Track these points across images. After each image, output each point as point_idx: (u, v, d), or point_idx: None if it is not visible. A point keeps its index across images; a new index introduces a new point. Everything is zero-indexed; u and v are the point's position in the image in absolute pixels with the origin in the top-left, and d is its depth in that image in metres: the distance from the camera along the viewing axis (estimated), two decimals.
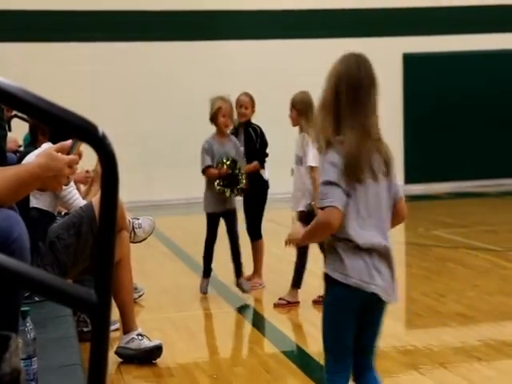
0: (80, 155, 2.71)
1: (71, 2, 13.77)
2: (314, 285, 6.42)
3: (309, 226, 3.01)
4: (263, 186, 6.99)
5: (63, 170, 2.64)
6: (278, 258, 7.70)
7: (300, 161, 6.10)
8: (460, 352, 4.88)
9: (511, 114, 15.55)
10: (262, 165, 6.95)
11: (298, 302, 6.17)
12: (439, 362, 4.68)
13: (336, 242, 2.92)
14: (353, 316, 2.99)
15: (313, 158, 5.88)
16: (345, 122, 2.96)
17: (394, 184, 3.02)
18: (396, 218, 3.10)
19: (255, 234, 6.94)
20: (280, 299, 6.18)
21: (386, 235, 3.00)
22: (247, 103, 6.90)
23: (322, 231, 2.95)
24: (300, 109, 6.10)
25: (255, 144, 6.86)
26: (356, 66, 2.99)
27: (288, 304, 6.13)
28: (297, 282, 6.21)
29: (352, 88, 2.95)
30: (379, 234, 2.95)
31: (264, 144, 6.97)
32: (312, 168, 5.92)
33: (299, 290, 6.22)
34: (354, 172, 2.87)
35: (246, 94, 6.96)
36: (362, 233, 2.90)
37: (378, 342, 3.18)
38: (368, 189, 2.90)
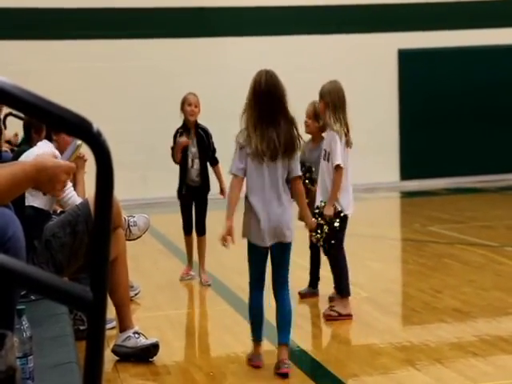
0: (84, 159, 2.70)
1: None
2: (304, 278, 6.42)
3: None
4: (209, 183, 7.20)
5: (59, 176, 2.62)
6: None
7: (326, 156, 5.67)
8: (456, 348, 4.89)
9: (507, 109, 15.57)
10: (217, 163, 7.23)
11: (350, 315, 5.65)
12: (435, 357, 4.69)
13: None
14: None
15: (340, 156, 5.56)
16: None
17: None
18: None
19: (203, 229, 7.19)
20: (331, 309, 5.70)
21: None
22: (196, 102, 7.13)
23: None
24: (327, 101, 5.62)
25: (207, 145, 7.10)
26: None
27: (340, 316, 5.62)
28: (344, 290, 5.72)
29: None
30: None
31: (213, 146, 7.19)
32: (337, 167, 5.55)
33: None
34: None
35: (194, 94, 7.22)
36: None
37: None
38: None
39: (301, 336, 5.25)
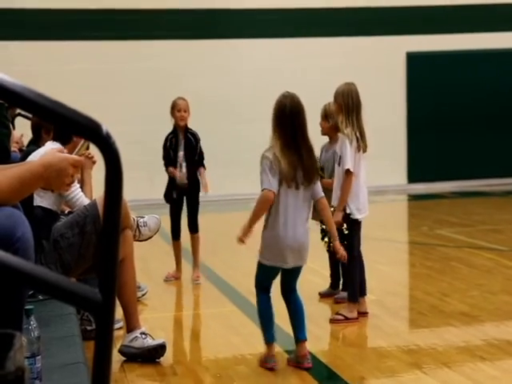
0: (92, 160, 2.70)
1: (72, 1, 13.78)
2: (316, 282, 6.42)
3: None
4: (198, 184, 7.31)
5: (67, 170, 2.62)
6: None
7: (338, 160, 5.62)
8: (464, 351, 4.88)
9: None
10: (204, 168, 7.37)
11: (357, 319, 5.64)
12: (443, 361, 4.67)
13: None
14: None
15: (350, 160, 5.49)
16: None
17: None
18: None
19: (196, 227, 7.29)
20: (337, 314, 5.68)
21: None
22: (185, 107, 7.23)
23: None
24: (340, 103, 5.52)
25: (195, 149, 7.21)
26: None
27: (345, 320, 5.61)
28: (351, 295, 5.72)
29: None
30: None
31: (201, 150, 7.31)
32: (347, 172, 5.50)
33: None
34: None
35: (183, 98, 7.31)
36: None
37: None
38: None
39: (308, 338, 5.23)
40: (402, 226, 11.21)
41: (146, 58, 14.11)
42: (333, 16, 14.79)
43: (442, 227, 10.15)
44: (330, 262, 6.34)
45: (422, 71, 15.17)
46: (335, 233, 4.84)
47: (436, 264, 7.72)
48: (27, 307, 2.72)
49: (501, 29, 15.35)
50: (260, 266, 4.69)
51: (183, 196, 7.25)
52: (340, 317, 5.62)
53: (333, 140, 6.09)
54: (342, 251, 4.91)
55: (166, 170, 7.29)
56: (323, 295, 6.36)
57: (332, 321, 5.66)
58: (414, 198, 14.40)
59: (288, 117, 4.51)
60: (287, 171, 4.44)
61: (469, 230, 9.96)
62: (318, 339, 5.26)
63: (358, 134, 5.51)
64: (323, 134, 6.17)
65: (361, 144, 5.54)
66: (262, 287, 4.74)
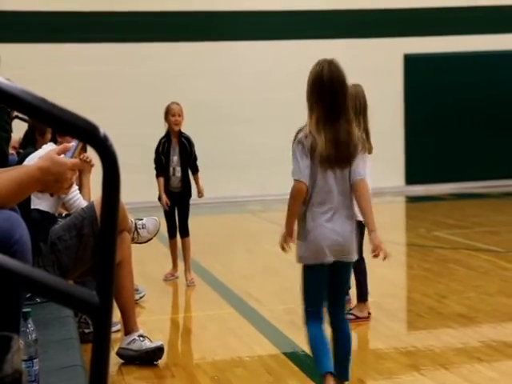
0: (91, 164, 2.70)
1: (71, 3, 13.78)
2: None
3: None
4: (191, 189, 7.40)
5: (65, 175, 2.62)
6: (278, 258, 7.70)
7: None
8: (461, 353, 4.88)
9: None
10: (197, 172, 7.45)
11: (368, 317, 5.74)
12: (440, 363, 4.68)
13: None
14: None
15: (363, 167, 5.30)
16: None
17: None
18: None
19: (186, 231, 7.33)
20: (348, 313, 5.58)
21: None
22: (180, 111, 7.29)
23: None
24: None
25: (189, 154, 7.28)
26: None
27: (356, 319, 5.65)
28: (363, 295, 5.78)
29: None
30: None
31: (195, 155, 7.37)
32: (363, 181, 5.25)
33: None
34: None
35: (177, 103, 7.37)
36: None
37: None
38: None
39: (305, 340, 5.23)
40: (399, 227, 11.22)
41: (145, 60, 14.12)
42: (331, 18, 14.80)
43: (439, 229, 10.15)
44: None
45: (419, 73, 15.18)
46: (374, 223, 3.96)
47: (433, 266, 7.72)
48: (25, 310, 2.72)
49: (499, 31, 15.37)
50: (304, 271, 3.96)
51: (175, 199, 7.31)
52: (351, 316, 5.65)
53: None
54: (382, 245, 3.92)
55: (157, 177, 7.32)
56: None
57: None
58: (411, 199, 14.41)
59: (327, 86, 3.86)
60: (323, 150, 3.78)
61: (466, 231, 9.96)
62: None
63: (364, 136, 5.51)
64: None
65: (366, 145, 5.54)
66: (313, 306, 3.97)
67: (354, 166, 3.89)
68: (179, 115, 7.26)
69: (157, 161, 7.33)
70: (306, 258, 3.89)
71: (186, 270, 7.21)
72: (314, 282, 3.92)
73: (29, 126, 6.06)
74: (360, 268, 5.71)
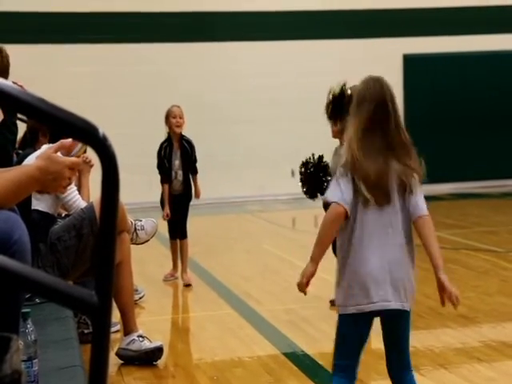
0: (89, 164, 2.70)
1: (71, 4, 13.78)
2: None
3: None
4: (191, 192, 7.41)
5: (63, 173, 2.62)
6: (279, 258, 7.71)
7: None
8: (461, 353, 4.88)
9: None
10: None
11: None
12: (440, 363, 4.68)
13: None
14: None
15: None
16: None
17: None
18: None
19: (185, 233, 7.36)
20: None
21: None
22: (181, 113, 7.25)
23: None
24: None
25: (190, 157, 7.28)
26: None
27: None
28: None
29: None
30: None
31: (196, 158, 7.37)
32: None
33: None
34: None
35: (178, 106, 7.35)
36: None
37: None
38: None
39: (305, 340, 5.24)
40: None
41: (144, 60, 14.11)
42: (330, 18, 14.80)
43: (438, 229, 10.08)
44: None
45: (418, 73, 15.18)
46: (440, 264, 3.41)
47: None
48: (24, 310, 2.72)
49: (498, 31, 15.37)
50: (340, 323, 3.30)
51: (176, 201, 7.30)
52: None
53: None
54: (454, 291, 3.33)
55: (162, 183, 7.34)
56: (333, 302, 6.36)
57: None
58: None
59: (378, 105, 3.25)
60: (371, 180, 3.14)
61: (465, 231, 9.96)
62: (316, 341, 5.27)
63: None
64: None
65: None
66: (344, 359, 3.37)
67: (416, 201, 3.36)
68: (180, 117, 7.25)
69: (160, 166, 7.34)
70: (348, 307, 3.26)
71: (183, 270, 7.23)
72: (351, 333, 3.32)
73: (27, 127, 6.05)
74: None
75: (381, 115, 3.20)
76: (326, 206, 3.34)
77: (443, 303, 3.29)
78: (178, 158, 7.26)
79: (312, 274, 3.16)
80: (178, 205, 7.32)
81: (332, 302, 6.14)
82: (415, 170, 3.26)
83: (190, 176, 7.34)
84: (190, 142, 7.30)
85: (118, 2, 14.04)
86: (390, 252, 3.25)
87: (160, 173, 7.35)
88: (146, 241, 5.40)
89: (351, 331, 3.26)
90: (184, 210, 7.35)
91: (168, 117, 7.28)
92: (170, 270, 7.44)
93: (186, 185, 7.31)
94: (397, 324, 3.34)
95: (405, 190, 3.22)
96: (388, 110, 3.23)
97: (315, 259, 3.18)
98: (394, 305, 3.24)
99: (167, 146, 7.30)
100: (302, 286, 3.19)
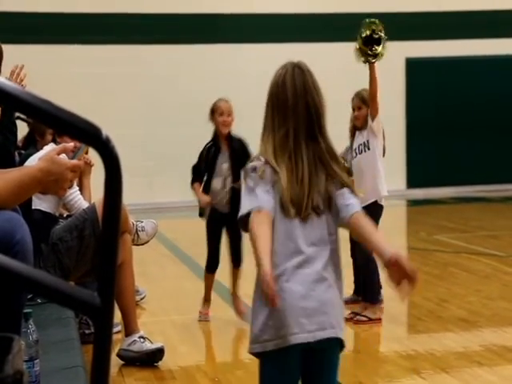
0: (90, 164, 2.70)
1: (73, 4, 13.79)
2: None
3: None
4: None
5: (65, 175, 2.62)
6: None
7: (367, 145, 5.96)
8: (462, 357, 4.88)
9: None
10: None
11: (380, 319, 5.76)
12: (441, 366, 4.67)
13: None
14: None
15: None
16: None
17: None
18: None
19: (239, 259, 6.01)
20: (361, 315, 5.73)
21: None
22: (229, 110, 5.93)
23: None
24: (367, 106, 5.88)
25: (244, 158, 5.15)
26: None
27: (369, 321, 5.70)
28: (373, 297, 5.82)
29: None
30: None
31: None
32: None
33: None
34: None
35: (226, 100, 6.02)
36: None
37: None
38: None
39: None
40: (400, 231, 11.21)
41: (146, 62, 14.13)
42: (332, 21, 14.80)
43: (440, 233, 10.15)
44: (353, 267, 6.30)
45: (421, 77, 15.18)
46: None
47: (434, 269, 7.72)
48: (26, 311, 2.72)
49: (500, 35, 15.37)
50: (260, 365, 2.83)
51: (223, 219, 5.86)
52: (364, 318, 5.71)
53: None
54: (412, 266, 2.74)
55: (192, 183, 5.96)
56: (347, 302, 6.37)
57: (355, 322, 5.70)
58: (412, 203, 14.39)
59: (292, 98, 2.74)
60: (286, 192, 2.59)
61: (467, 235, 9.96)
62: None
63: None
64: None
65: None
66: None
67: (344, 201, 2.67)
68: (228, 114, 5.89)
69: (196, 168, 5.95)
70: (265, 342, 2.71)
71: (236, 300, 5.99)
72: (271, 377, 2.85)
73: (30, 127, 6.06)
74: (368, 270, 5.73)
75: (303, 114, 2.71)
76: None
77: (399, 284, 2.72)
78: (226, 161, 5.83)
79: (270, 275, 2.44)
80: (226, 224, 5.89)
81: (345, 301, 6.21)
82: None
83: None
84: (241, 142, 5.88)
85: (120, 4, 14.05)
86: (316, 275, 2.62)
87: (193, 173, 5.96)
88: (147, 241, 5.43)
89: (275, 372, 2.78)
90: (236, 232, 5.76)
91: (213, 113, 5.89)
92: (203, 308, 6.08)
93: (237, 197, 5.61)
94: (325, 360, 2.69)
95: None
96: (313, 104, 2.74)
97: (264, 262, 2.47)
98: (324, 332, 2.59)
99: (211, 147, 5.90)
100: (271, 299, 2.45)
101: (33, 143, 6.01)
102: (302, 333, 2.53)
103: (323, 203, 2.63)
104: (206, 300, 6.05)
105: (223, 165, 5.84)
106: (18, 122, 7.43)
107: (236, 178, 5.60)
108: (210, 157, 5.86)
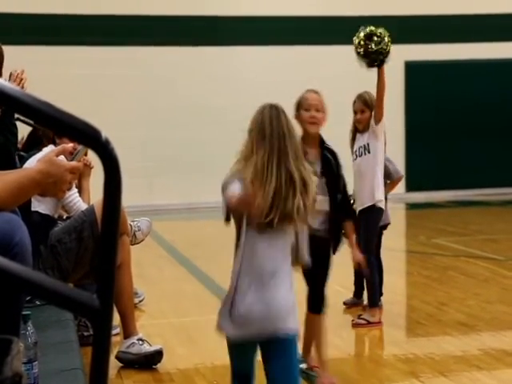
0: (89, 166, 2.70)
1: (72, 6, 13.80)
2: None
3: None
4: (340, 234, 4.46)
5: (64, 177, 2.62)
6: None
7: (368, 148, 5.86)
8: (461, 361, 4.87)
9: None
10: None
11: (379, 323, 5.72)
12: (440, 370, 4.67)
13: None
14: None
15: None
16: None
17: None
18: None
19: (318, 303, 4.52)
20: (359, 318, 5.75)
21: None
22: (319, 103, 4.35)
23: None
24: (371, 109, 5.92)
25: (334, 172, 4.32)
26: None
27: (368, 324, 5.67)
28: (373, 300, 5.80)
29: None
30: None
31: (340, 174, 4.39)
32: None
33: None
34: None
35: (314, 91, 4.43)
36: None
37: None
38: None
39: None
40: (399, 234, 11.21)
41: (145, 63, 14.13)
42: (332, 24, 14.82)
43: (439, 236, 10.15)
44: (354, 270, 6.29)
45: (420, 80, 15.19)
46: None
47: (433, 273, 7.72)
48: (25, 313, 2.72)
49: (500, 39, 15.38)
50: (228, 346, 3.38)
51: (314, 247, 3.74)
52: (362, 321, 5.70)
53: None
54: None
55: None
56: (347, 304, 6.36)
57: (354, 325, 5.71)
58: (411, 206, 14.39)
59: (271, 134, 3.17)
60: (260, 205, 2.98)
61: (466, 239, 9.96)
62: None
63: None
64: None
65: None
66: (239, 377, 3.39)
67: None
68: (317, 109, 4.31)
69: None
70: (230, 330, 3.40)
71: (321, 364, 4.53)
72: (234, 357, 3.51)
73: (33, 129, 6.06)
74: (368, 273, 5.73)
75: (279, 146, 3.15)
76: None
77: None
78: (315, 173, 3.74)
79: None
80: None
81: (345, 304, 6.21)
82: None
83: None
84: (333, 152, 4.36)
85: (119, 6, 14.06)
86: (271, 281, 3.27)
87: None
88: (142, 240, 5.47)
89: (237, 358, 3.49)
90: (324, 265, 4.34)
91: (299, 108, 4.36)
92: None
93: (330, 220, 4.28)
94: (275, 351, 3.28)
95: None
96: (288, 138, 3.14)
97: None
98: (274, 330, 3.25)
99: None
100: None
101: (35, 145, 6.00)
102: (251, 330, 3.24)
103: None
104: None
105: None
106: (18, 124, 7.44)
107: (332, 194, 4.29)
108: None
